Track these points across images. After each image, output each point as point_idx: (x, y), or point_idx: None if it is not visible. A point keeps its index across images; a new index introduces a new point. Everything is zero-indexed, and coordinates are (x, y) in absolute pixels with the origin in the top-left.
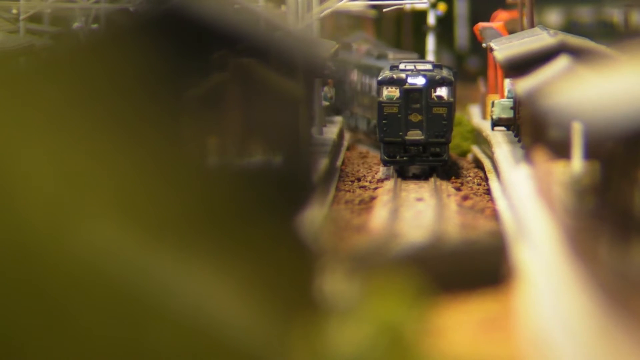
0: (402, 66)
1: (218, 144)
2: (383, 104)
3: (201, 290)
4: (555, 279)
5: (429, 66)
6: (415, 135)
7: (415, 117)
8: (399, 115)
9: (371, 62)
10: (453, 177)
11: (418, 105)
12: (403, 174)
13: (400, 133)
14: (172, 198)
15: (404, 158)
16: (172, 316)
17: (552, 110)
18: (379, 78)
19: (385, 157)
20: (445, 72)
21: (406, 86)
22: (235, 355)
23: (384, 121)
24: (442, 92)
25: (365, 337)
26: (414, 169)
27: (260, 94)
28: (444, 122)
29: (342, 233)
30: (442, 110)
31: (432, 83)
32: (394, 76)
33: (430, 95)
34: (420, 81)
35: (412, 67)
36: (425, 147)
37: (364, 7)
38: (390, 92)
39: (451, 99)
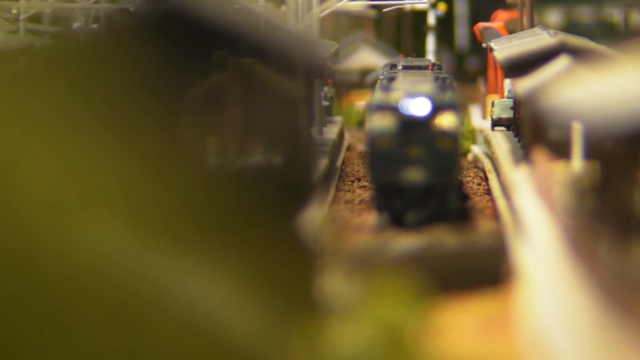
0: (398, 84)
1: (218, 143)
2: (373, 136)
3: (201, 290)
4: (555, 279)
5: (430, 86)
6: (414, 175)
7: (414, 152)
8: (394, 150)
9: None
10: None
11: (419, 137)
12: (398, 223)
13: (395, 172)
14: (171, 198)
15: (400, 203)
16: (172, 317)
17: (552, 110)
18: (368, 102)
19: (380, 201)
20: (450, 95)
21: (403, 113)
22: (235, 356)
23: (374, 156)
24: (448, 119)
25: (365, 337)
26: (411, 217)
27: (260, 94)
28: (451, 157)
29: (342, 233)
30: (448, 143)
31: (438, 108)
32: (387, 101)
33: (434, 123)
34: (422, 106)
35: (410, 86)
36: (427, 190)
37: (364, 7)
38: (383, 120)
39: (458, 128)
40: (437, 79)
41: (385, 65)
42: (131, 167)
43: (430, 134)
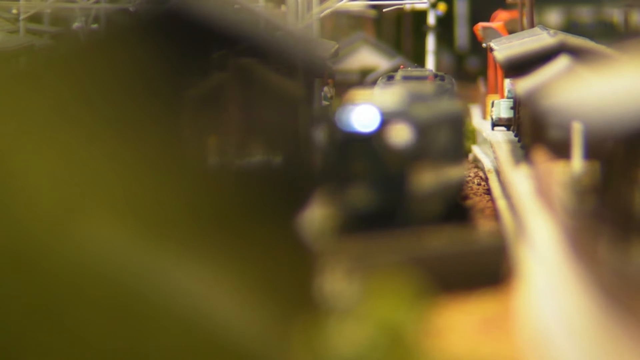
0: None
1: (218, 143)
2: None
3: (201, 290)
4: (555, 279)
5: (392, 98)
6: (355, 198)
7: (355, 171)
8: (334, 170)
9: None
10: None
11: (360, 154)
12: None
13: (333, 195)
14: (172, 197)
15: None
16: (172, 316)
17: (552, 110)
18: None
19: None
20: (426, 109)
21: (339, 126)
22: (235, 356)
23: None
24: (399, 132)
25: (365, 337)
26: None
27: (260, 94)
28: (401, 178)
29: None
30: (398, 161)
31: (387, 119)
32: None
33: (381, 138)
34: (364, 117)
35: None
36: (373, 215)
37: (364, 7)
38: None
39: (423, 149)
40: (436, 88)
41: (382, 77)
42: (132, 167)
43: (375, 151)
